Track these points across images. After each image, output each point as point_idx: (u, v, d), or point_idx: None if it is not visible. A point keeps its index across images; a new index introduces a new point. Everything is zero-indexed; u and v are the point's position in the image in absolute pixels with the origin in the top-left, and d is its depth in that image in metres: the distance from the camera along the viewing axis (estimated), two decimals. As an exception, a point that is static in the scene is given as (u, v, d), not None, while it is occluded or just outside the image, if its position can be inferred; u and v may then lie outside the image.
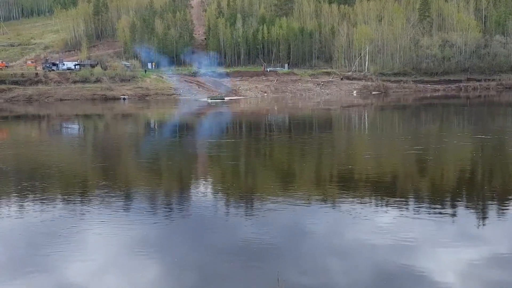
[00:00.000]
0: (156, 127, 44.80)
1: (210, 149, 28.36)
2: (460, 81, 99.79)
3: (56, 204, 15.66)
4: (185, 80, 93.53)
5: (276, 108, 64.16)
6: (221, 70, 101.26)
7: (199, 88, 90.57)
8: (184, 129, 41.74)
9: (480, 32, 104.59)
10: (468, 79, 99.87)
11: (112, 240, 12.25)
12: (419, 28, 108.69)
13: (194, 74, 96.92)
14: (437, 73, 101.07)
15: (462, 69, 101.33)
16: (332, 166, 21.81)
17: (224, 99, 78.27)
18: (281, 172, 20.66)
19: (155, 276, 10.23)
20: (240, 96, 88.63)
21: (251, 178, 20.24)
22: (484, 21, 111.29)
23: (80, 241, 12.18)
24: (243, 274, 10.17)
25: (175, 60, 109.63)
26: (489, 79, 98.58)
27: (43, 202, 15.87)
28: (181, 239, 12.28)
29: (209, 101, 76.30)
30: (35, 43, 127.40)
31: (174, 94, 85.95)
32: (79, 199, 16.17)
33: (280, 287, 8.65)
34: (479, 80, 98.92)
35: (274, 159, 25.18)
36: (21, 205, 15.59)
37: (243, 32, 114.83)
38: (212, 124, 45.76)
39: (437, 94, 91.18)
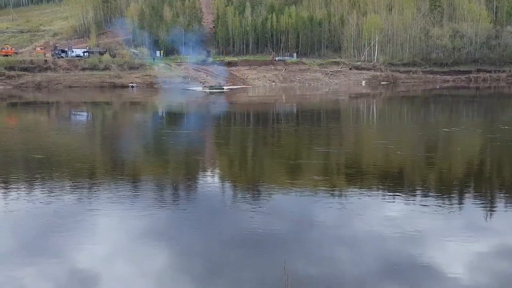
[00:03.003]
0: (163, 117, 44.99)
1: (215, 139, 28.45)
2: (470, 72, 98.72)
3: (65, 192, 15.85)
4: (193, 69, 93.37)
5: (284, 98, 63.98)
6: (229, 58, 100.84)
7: (207, 76, 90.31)
8: (187, 119, 41.84)
9: (491, 22, 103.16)
10: (478, 70, 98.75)
11: (121, 227, 12.44)
12: (430, 18, 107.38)
13: (202, 63, 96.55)
14: (447, 63, 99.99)
15: (472, 60, 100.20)
16: (339, 157, 21.82)
17: (223, 89, 75.98)
18: (287, 162, 20.70)
19: (164, 263, 10.39)
20: (248, 85, 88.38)
21: (258, 167, 20.33)
22: (495, 12, 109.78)
23: (89, 228, 12.37)
24: (250, 262, 10.31)
25: (183, 48, 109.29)
26: (499, 70, 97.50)
27: (53, 190, 16.08)
28: (189, 228, 12.43)
29: (207, 91, 74.10)
30: (44, 30, 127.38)
31: (182, 82, 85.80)
32: (88, 187, 16.36)
33: (287, 276, 8.76)
34: (489, 71, 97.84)
35: (280, 149, 25.21)
36: (31, 193, 15.81)
37: (252, 20, 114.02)
38: (216, 114, 45.76)
39: (446, 85, 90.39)
